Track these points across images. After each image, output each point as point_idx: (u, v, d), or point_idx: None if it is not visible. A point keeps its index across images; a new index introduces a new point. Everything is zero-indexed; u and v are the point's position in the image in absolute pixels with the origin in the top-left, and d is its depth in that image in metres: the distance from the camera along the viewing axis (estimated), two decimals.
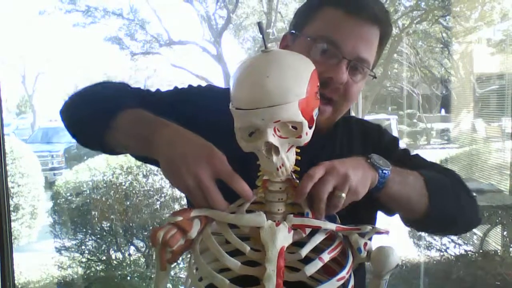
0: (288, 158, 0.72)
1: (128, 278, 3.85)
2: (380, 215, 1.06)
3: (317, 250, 0.73)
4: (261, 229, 0.72)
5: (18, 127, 12.78)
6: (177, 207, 3.80)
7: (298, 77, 0.69)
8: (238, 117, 0.70)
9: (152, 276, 3.59)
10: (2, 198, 2.47)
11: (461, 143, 6.26)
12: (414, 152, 1.14)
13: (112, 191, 3.83)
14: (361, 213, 0.84)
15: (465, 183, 1.02)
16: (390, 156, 0.88)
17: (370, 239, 0.78)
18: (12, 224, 4.15)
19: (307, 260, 0.72)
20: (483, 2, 6.51)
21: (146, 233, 3.81)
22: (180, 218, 0.72)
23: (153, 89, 1.10)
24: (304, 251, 0.72)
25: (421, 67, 10.18)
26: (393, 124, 9.76)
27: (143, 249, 3.97)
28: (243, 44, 11.47)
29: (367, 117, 9.08)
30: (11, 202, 4.44)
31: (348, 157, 0.84)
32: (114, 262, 4.01)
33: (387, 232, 0.77)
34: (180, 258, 0.76)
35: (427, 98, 12.24)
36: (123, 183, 3.84)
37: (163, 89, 1.11)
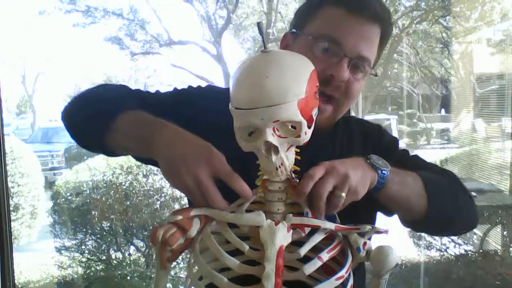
0: (287, 158, 0.72)
1: (128, 277, 3.86)
2: (379, 215, 1.07)
3: (316, 250, 0.73)
4: (260, 228, 0.72)
5: (18, 127, 12.78)
6: (177, 206, 3.80)
7: (297, 77, 0.70)
8: (237, 116, 0.71)
9: (152, 275, 3.59)
10: (2, 198, 2.47)
11: (461, 143, 6.26)
12: (414, 152, 1.14)
13: (112, 191, 3.84)
14: (361, 213, 0.84)
15: (464, 184, 1.02)
16: (389, 157, 0.89)
17: (369, 238, 0.78)
18: (12, 224, 4.16)
19: (306, 259, 0.72)
20: (483, 2, 6.51)
21: (146, 233, 3.81)
22: (180, 217, 0.73)
23: (153, 90, 1.10)
24: (303, 250, 0.72)
25: (421, 67, 10.18)
26: (393, 124, 9.76)
27: (143, 249, 3.97)
28: (243, 44, 11.48)
29: (367, 117, 9.08)
30: (11, 202, 4.44)
31: (348, 157, 0.84)
32: (114, 262, 4.01)
33: (386, 232, 0.77)
34: (180, 258, 0.77)
35: (427, 98, 12.24)
36: (123, 183, 3.84)
37: (163, 89, 1.11)
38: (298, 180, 0.77)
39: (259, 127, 0.69)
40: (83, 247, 4.00)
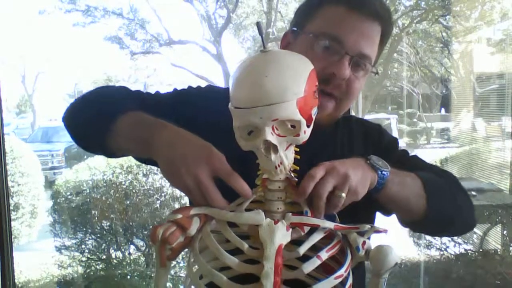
0: (286, 157, 0.72)
1: (128, 277, 3.86)
2: (378, 215, 1.07)
3: (316, 249, 0.73)
4: (259, 227, 0.72)
5: (18, 127, 12.79)
6: (177, 206, 3.81)
7: (296, 76, 0.70)
8: (236, 116, 0.71)
9: (152, 275, 3.59)
10: (2, 197, 2.47)
11: (461, 142, 6.26)
12: (414, 151, 1.14)
13: (112, 190, 3.84)
14: (360, 213, 0.84)
15: (462, 185, 1.03)
16: (389, 157, 0.89)
17: (368, 238, 0.78)
18: (12, 223, 4.16)
19: (306, 258, 0.72)
20: (483, 2, 6.51)
21: (146, 232, 3.81)
22: (179, 216, 0.73)
23: (153, 90, 1.10)
24: (302, 249, 0.72)
25: (421, 66, 10.18)
26: (393, 123, 9.75)
27: (143, 248, 3.97)
28: (243, 43, 11.48)
29: (367, 117, 9.08)
30: (11, 201, 4.45)
31: (348, 156, 0.84)
32: (114, 261, 4.01)
33: (385, 231, 0.77)
34: (180, 257, 0.77)
35: (427, 97, 12.25)
36: (123, 182, 3.84)
37: (163, 89, 1.11)
38: (296, 179, 0.77)
39: (258, 126, 0.69)
40: (83, 246, 4.00)
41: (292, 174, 0.77)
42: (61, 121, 1.03)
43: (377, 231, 0.77)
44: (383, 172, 0.84)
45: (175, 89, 1.10)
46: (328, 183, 0.75)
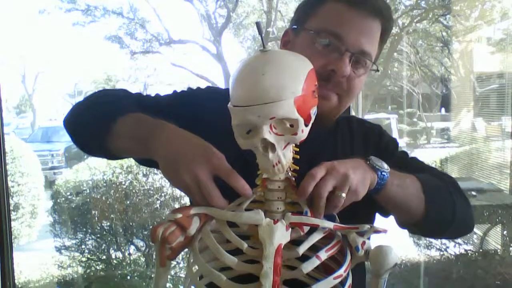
0: (284, 156, 0.72)
1: (128, 277, 3.86)
2: (378, 216, 1.07)
3: (315, 249, 0.74)
4: (259, 226, 0.72)
5: (18, 126, 12.80)
6: (177, 206, 3.81)
7: (294, 75, 0.70)
8: (235, 114, 0.71)
9: (152, 275, 3.58)
10: (2, 197, 2.47)
11: (461, 142, 6.26)
12: (414, 151, 1.14)
13: (112, 190, 3.84)
14: (360, 213, 0.84)
15: (461, 187, 1.03)
16: (389, 158, 0.89)
17: (368, 238, 0.78)
18: (12, 223, 4.15)
19: (305, 258, 0.72)
20: (483, 1, 6.51)
21: (146, 233, 3.81)
22: (179, 215, 0.73)
23: (153, 89, 1.11)
24: (302, 249, 0.72)
25: (421, 66, 10.18)
26: (393, 123, 9.75)
27: (143, 249, 3.97)
28: (243, 43, 11.48)
29: (367, 116, 9.09)
30: (11, 201, 4.45)
31: (348, 156, 0.84)
32: (114, 261, 4.01)
33: (385, 231, 0.77)
34: (180, 257, 0.77)
35: (427, 97, 12.24)
36: (123, 182, 3.84)
37: (163, 88, 1.12)
38: (294, 179, 0.77)
39: (256, 124, 0.69)
40: (83, 246, 4.01)
41: (290, 174, 0.77)
42: (62, 124, 1.04)
43: (377, 231, 0.77)
44: (383, 173, 0.84)
45: (174, 91, 1.11)
46: (328, 183, 0.75)
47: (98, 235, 3.96)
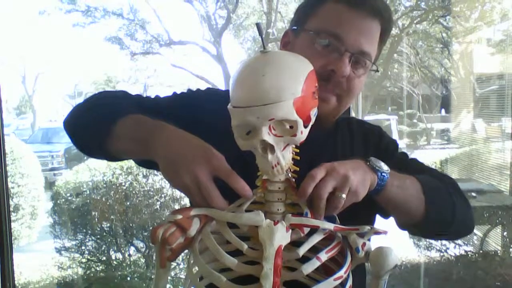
0: (283, 157, 0.72)
1: (128, 278, 3.86)
2: (378, 217, 1.07)
3: (315, 250, 0.73)
4: (259, 228, 0.72)
5: (18, 128, 12.81)
6: (177, 207, 3.80)
7: (294, 76, 0.70)
8: (234, 115, 0.71)
9: (152, 276, 3.58)
10: (2, 198, 2.47)
11: (461, 143, 6.26)
12: (414, 153, 1.14)
13: (112, 192, 3.84)
14: (360, 214, 0.84)
15: (461, 189, 1.03)
16: (389, 159, 0.89)
17: (369, 239, 0.78)
18: (12, 224, 4.15)
19: (305, 259, 0.72)
20: (483, 2, 6.51)
21: (146, 234, 3.81)
22: (179, 217, 0.73)
23: (153, 91, 1.11)
24: (302, 250, 0.72)
25: (421, 67, 10.18)
26: (393, 124, 9.75)
27: (143, 250, 3.97)
28: (243, 44, 11.48)
29: (367, 117, 9.08)
30: (11, 202, 4.44)
31: (349, 157, 0.84)
32: (114, 262, 4.01)
33: (385, 233, 0.77)
34: (180, 259, 0.77)
35: (427, 98, 12.25)
36: (123, 184, 3.84)
37: (163, 89, 1.12)
38: (294, 180, 0.77)
39: (255, 126, 0.69)
40: (83, 247, 4.01)
41: (290, 175, 0.77)
42: (62, 126, 1.04)
43: (377, 232, 0.77)
44: (383, 174, 0.84)
45: (174, 93, 1.11)
46: (329, 184, 0.75)
47: (98, 236, 3.96)
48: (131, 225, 3.82)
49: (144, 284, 3.81)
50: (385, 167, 0.85)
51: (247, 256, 0.73)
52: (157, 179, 3.83)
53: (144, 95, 1.12)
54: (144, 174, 3.85)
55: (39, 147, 7.65)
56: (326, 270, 0.74)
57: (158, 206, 3.80)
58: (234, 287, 0.70)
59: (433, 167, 1.15)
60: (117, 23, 10.12)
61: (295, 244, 0.73)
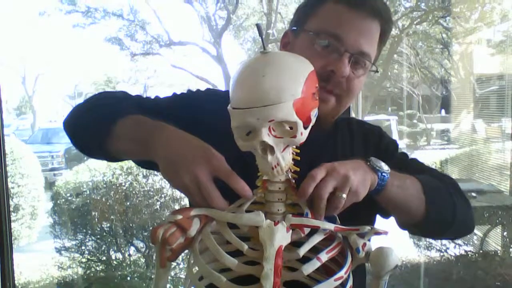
0: (283, 158, 0.72)
1: (128, 278, 3.86)
2: (379, 217, 1.07)
3: (316, 250, 0.73)
4: (259, 228, 0.72)
5: (18, 128, 12.81)
6: (177, 207, 3.80)
7: (294, 77, 0.70)
8: (234, 116, 0.71)
9: (152, 276, 3.58)
10: (2, 198, 2.47)
11: (461, 143, 6.26)
12: (414, 153, 1.15)
13: (112, 192, 3.84)
14: (361, 214, 0.84)
15: (461, 188, 1.03)
16: (389, 159, 0.89)
17: (369, 239, 0.78)
18: (12, 224, 4.15)
19: (306, 259, 0.72)
20: (483, 3, 6.51)
21: (146, 234, 3.81)
22: (180, 217, 0.73)
23: (153, 91, 1.11)
24: (302, 251, 0.72)
25: (421, 67, 10.17)
26: (393, 124, 9.75)
27: (143, 250, 3.97)
28: (243, 44, 11.47)
29: (367, 118, 9.08)
30: (11, 202, 4.45)
31: (349, 158, 0.84)
32: (114, 262, 4.01)
33: (385, 233, 0.77)
34: (180, 258, 0.77)
35: (427, 98, 12.24)
36: (123, 184, 3.84)
37: (163, 90, 1.12)
38: (294, 181, 0.77)
39: (255, 127, 0.69)
40: (83, 247, 4.01)
41: (290, 175, 0.77)
42: (62, 127, 1.04)
43: (378, 233, 0.77)
44: (383, 174, 0.84)
45: (174, 93, 1.11)
46: (329, 184, 0.75)
47: (98, 236, 3.96)
48: (131, 225, 3.82)
49: (144, 284, 3.81)
50: (385, 167, 0.85)
51: (247, 256, 0.73)
52: (157, 179, 3.83)
53: (144, 96, 1.12)
54: (144, 174, 3.85)
55: (39, 147, 7.64)
56: (326, 271, 0.75)
57: (158, 206, 3.80)
58: (234, 287, 0.70)
59: (433, 167, 1.15)
60: (117, 23, 10.12)
61: (296, 244, 0.73)
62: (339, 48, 0.94)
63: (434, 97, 12.23)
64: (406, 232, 1.05)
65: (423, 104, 11.66)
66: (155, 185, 3.83)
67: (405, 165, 1.01)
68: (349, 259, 0.75)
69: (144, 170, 3.81)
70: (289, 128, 0.71)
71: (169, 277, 0.81)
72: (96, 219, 3.86)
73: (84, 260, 4.03)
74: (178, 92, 1.12)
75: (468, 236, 3.96)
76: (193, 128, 0.83)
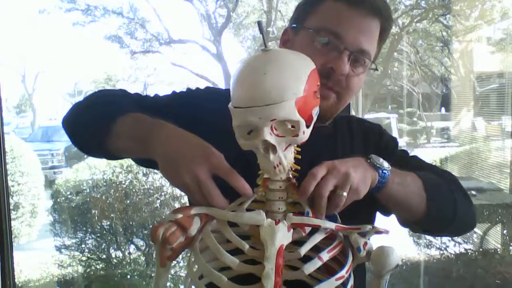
0: (285, 157, 0.72)
1: (128, 276, 3.86)
2: (379, 215, 1.07)
3: (317, 249, 0.73)
4: (260, 227, 0.72)
5: (18, 126, 12.79)
6: (177, 205, 3.81)
7: (295, 75, 0.70)
8: (236, 115, 0.71)
9: (152, 274, 3.59)
10: (2, 196, 2.47)
11: (461, 141, 6.26)
12: (414, 151, 1.14)
13: (112, 190, 3.84)
14: (361, 213, 0.84)
15: (462, 185, 1.03)
16: (389, 156, 0.89)
17: (369, 238, 0.78)
18: (12, 222, 4.16)
19: (307, 259, 0.72)
20: (483, 1, 6.50)
21: (146, 232, 3.81)
22: (180, 216, 0.73)
23: (153, 89, 1.11)
24: (303, 250, 0.72)
25: (421, 65, 10.16)
26: (393, 122, 9.74)
27: (143, 248, 3.97)
28: (243, 42, 11.45)
29: (367, 116, 9.08)
30: (11, 200, 4.45)
31: (349, 156, 0.84)
32: (114, 260, 4.01)
33: (386, 232, 0.77)
34: (181, 257, 0.77)
35: (427, 96, 12.22)
36: (123, 182, 3.84)
37: (163, 88, 1.12)
38: (295, 179, 0.76)
39: (257, 126, 0.69)
40: (83, 246, 4.01)
41: (291, 174, 0.76)
42: (61, 125, 1.03)
43: (378, 231, 0.77)
44: (384, 171, 0.84)
45: (174, 92, 1.11)
46: (330, 182, 0.75)
47: (98, 234, 3.96)
48: (131, 223, 3.82)
49: (144, 282, 3.81)
50: (385, 164, 0.85)
51: (248, 255, 0.72)
52: (157, 177, 3.83)
53: (144, 94, 1.12)
54: (144, 172, 3.85)
55: (39, 145, 7.63)
56: (327, 270, 0.74)
57: (158, 204, 3.80)
58: (234, 287, 0.70)
59: (433, 164, 1.15)
60: (117, 21, 10.10)
61: (297, 243, 0.73)
62: (338, 46, 0.93)
63: (434, 95, 12.21)
64: (406, 230, 1.05)
65: (423, 102, 11.64)
66: (155, 183, 3.83)
67: (405, 162, 1.01)
68: (350, 258, 0.75)
69: (144, 168, 3.81)
70: (291, 127, 0.70)
71: (169, 275, 0.81)
72: (96, 217, 3.86)
73: (84, 258, 4.03)
74: (178, 90, 1.11)
75: (468, 234, 3.96)
76: (193, 127, 0.83)
